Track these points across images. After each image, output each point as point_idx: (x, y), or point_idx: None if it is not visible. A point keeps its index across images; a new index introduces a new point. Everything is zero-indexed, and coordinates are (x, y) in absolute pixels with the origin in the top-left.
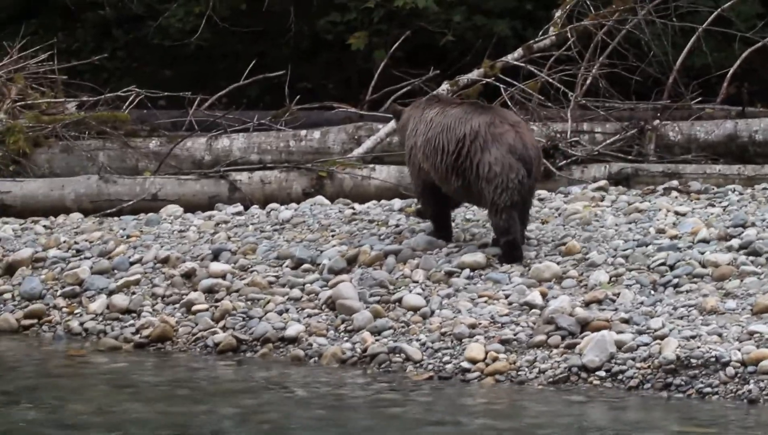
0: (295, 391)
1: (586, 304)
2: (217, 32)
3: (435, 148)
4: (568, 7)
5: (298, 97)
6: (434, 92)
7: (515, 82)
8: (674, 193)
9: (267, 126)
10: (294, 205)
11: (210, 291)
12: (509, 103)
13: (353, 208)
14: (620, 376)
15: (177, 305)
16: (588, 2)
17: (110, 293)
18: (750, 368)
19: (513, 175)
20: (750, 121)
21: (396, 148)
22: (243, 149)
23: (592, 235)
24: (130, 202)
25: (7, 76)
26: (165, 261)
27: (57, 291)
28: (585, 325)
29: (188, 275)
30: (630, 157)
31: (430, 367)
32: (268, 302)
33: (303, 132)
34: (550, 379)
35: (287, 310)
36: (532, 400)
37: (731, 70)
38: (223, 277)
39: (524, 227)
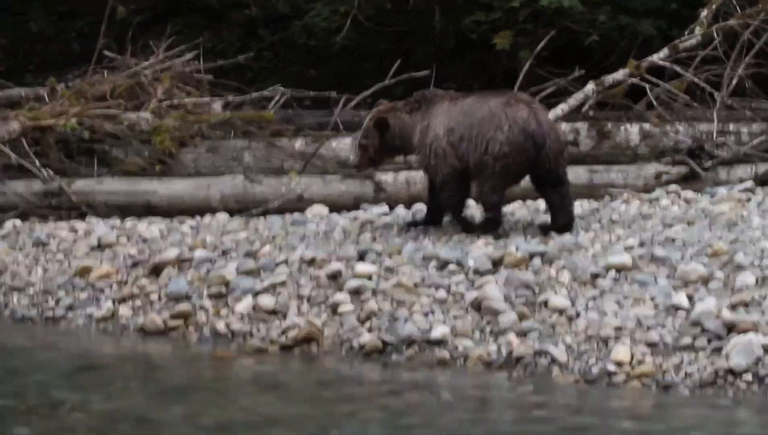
0: (441, 393)
1: (733, 307)
2: (362, 31)
3: (461, 137)
4: (713, 6)
5: None
6: (423, 92)
7: (661, 82)
8: None
9: None
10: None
11: (356, 292)
12: (655, 104)
13: None
14: (767, 380)
15: (323, 306)
16: (734, 2)
17: (256, 294)
18: None
19: (521, 157)
20: None
21: None
22: None
23: (739, 237)
24: (276, 203)
25: (154, 75)
26: (311, 262)
27: (203, 292)
28: (731, 328)
29: (334, 276)
30: None
31: (576, 369)
32: (414, 304)
33: None
34: (697, 383)
35: (433, 312)
36: (679, 404)
37: None
38: (369, 278)
39: (570, 205)
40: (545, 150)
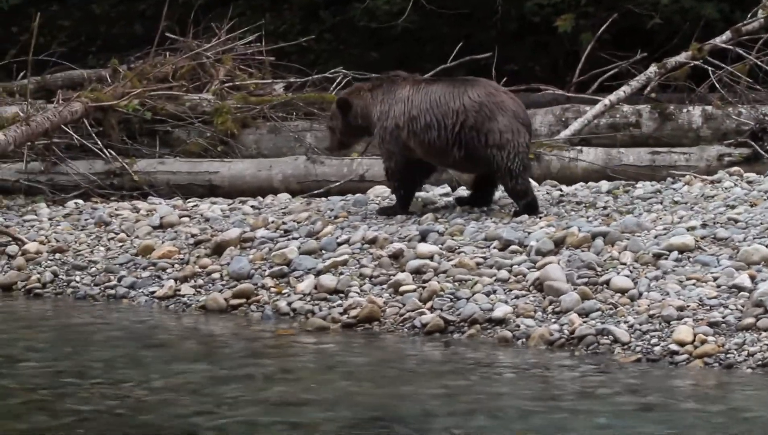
0: (503, 372)
1: None
2: (424, 14)
3: (428, 124)
4: None
5: (504, 79)
6: (389, 73)
7: (723, 65)
8: None
9: None
10: (501, 186)
11: (417, 272)
12: (717, 86)
13: (561, 189)
14: None
15: (384, 286)
16: None
17: (318, 273)
18: None
19: (521, 140)
20: None
21: (603, 130)
22: None
23: None
24: (338, 183)
25: (216, 57)
26: (372, 241)
27: (265, 271)
28: None
29: (396, 256)
30: None
31: (638, 349)
32: (476, 283)
33: None
34: (759, 362)
35: (495, 292)
36: (741, 384)
37: None
38: (431, 257)
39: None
40: (531, 135)
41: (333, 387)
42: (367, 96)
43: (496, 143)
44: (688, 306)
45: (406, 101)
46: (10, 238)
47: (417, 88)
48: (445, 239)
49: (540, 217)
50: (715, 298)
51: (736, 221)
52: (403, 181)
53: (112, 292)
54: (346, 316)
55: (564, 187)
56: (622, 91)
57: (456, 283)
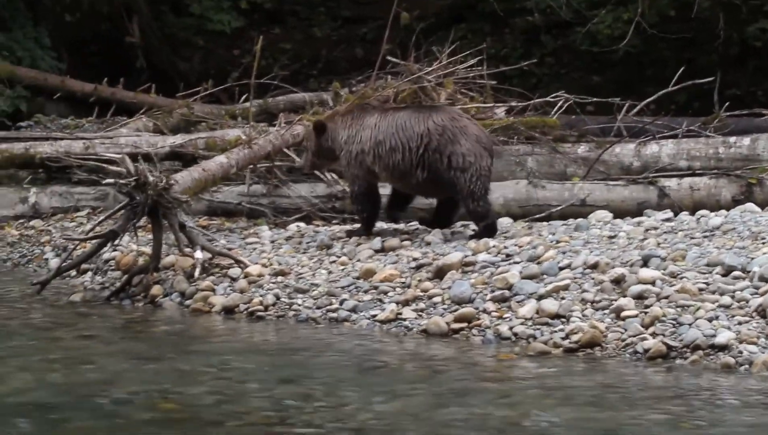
0: (725, 398)
1: None
2: (646, 38)
3: (392, 148)
4: None
5: (727, 103)
6: (364, 102)
7: None
8: None
9: (696, 132)
10: (723, 211)
11: (639, 297)
12: None
13: None
14: None
15: (606, 311)
16: None
17: (539, 298)
18: None
19: (483, 163)
20: None
21: None
22: (671, 155)
23: None
24: (559, 207)
25: (437, 81)
26: (594, 266)
27: (486, 295)
28: None
29: (617, 281)
30: None
31: None
32: (698, 309)
33: (732, 139)
34: None
35: (717, 317)
36: None
37: None
38: (653, 283)
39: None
40: (493, 160)
41: (554, 411)
42: (338, 120)
43: (459, 166)
44: None
45: (374, 127)
46: (233, 261)
47: (384, 115)
48: (667, 265)
49: (763, 243)
50: None
51: None
52: (365, 204)
53: (334, 315)
54: (568, 340)
55: None
56: None
57: (678, 309)
